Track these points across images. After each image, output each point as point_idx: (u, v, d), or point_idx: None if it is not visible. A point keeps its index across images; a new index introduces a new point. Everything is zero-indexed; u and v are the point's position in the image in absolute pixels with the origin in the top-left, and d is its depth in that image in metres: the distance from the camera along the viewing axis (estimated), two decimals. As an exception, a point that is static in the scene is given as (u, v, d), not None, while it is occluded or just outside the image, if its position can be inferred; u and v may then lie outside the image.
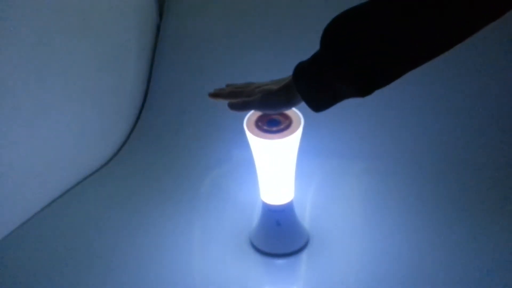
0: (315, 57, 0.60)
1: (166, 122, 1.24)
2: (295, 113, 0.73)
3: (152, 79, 1.33)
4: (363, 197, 0.97)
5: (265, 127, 0.71)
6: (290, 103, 0.66)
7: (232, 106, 0.70)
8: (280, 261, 0.83)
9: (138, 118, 1.28)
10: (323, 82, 0.59)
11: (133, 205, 1.00)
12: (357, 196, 0.98)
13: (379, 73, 0.55)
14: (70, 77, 1.03)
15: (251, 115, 0.74)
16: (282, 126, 0.71)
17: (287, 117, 0.73)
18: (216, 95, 0.74)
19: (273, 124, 0.71)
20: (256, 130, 0.72)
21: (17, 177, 0.93)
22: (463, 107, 1.10)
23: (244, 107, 0.69)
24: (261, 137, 0.70)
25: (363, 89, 0.56)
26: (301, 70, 0.62)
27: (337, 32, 0.56)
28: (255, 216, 0.91)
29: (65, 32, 1.00)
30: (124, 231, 0.92)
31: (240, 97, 0.70)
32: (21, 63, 0.90)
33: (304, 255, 0.83)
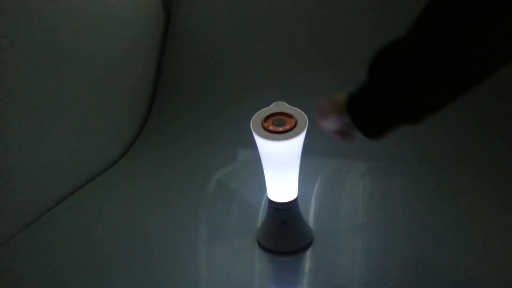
0: (365, 92, 0.61)
1: (175, 122, 1.25)
2: (300, 113, 0.75)
3: (160, 79, 1.33)
4: (367, 196, 0.98)
5: (271, 128, 0.73)
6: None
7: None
8: (285, 259, 0.84)
9: (146, 118, 1.29)
10: (377, 116, 0.60)
11: (141, 204, 1.01)
12: (361, 195, 0.99)
13: (428, 101, 0.56)
14: (79, 77, 1.04)
15: (258, 115, 0.76)
16: (287, 127, 0.72)
17: (292, 117, 0.74)
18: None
19: (279, 125, 0.73)
20: (262, 131, 0.73)
21: (25, 178, 0.94)
22: (465, 107, 1.10)
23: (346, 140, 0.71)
24: (267, 138, 0.72)
25: (415, 118, 0.57)
26: (355, 107, 0.62)
27: (382, 66, 0.57)
28: (261, 215, 0.92)
29: (75, 33, 1.02)
30: (131, 229, 0.93)
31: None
32: (32, 63, 0.91)
33: (309, 253, 0.84)
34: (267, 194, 0.83)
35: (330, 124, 0.69)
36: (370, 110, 0.60)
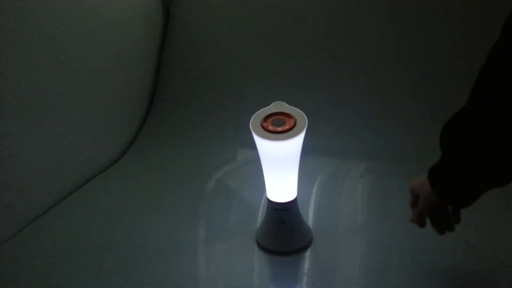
0: (445, 160, 0.61)
1: (173, 122, 1.25)
2: (299, 113, 0.75)
3: (159, 80, 1.34)
4: (366, 196, 0.98)
5: (270, 128, 0.73)
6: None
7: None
8: (284, 259, 0.84)
9: (146, 118, 1.30)
10: (464, 187, 0.60)
11: (140, 203, 1.02)
12: (360, 195, 0.99)
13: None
14: (78, 77, 1.05)
15: (257, 115, 0.76)
16: (287, 127, 0.72)
17: (292, 117, 0.74)
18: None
19: (278, 124, 0.73)
20: (262, 131, 0.73)
21: (25, 177, 0.94)
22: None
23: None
24: (266, 138, 0.72)
25: (502, 181, 0.57)
26: (437, 177, 0.62)
27: (457, 136, 0.58)
28: (261, 215, 0.92)
29: (74, 32, 1.02)
30: (131, 229, 0.93)
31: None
32: (32, 63, 0.91)
33: (307, 253, 0.84)
34: (266, 194, 0.83)
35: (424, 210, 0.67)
36: (460, 185, 0.60)
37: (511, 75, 0.50)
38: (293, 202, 0.82)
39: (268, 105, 0.77)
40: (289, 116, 0.74)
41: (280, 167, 0.77)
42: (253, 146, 0.76)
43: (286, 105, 0.77)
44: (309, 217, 0.93)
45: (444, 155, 0.61)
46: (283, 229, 0.84)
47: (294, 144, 0.73)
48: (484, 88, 0.54)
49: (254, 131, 0.73)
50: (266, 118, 0.75)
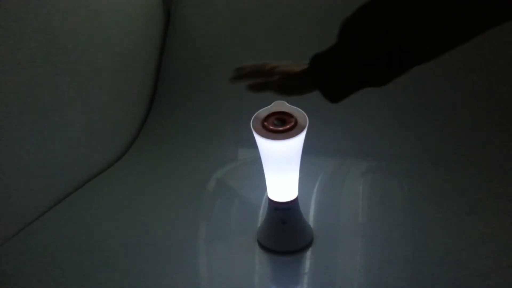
0: (333, 48, 0.60)
1: (174, 122, 1.26)
2: (300, 112, 0.75)
3: (160, 80, 1.34)
4: (367, 195, 0.98)
5: (271, 127, 0.73)
6: (305, 90, 0.65)
7: (251, 88, 0.69)
8: (285, 259, 0.84)
9: (146, 117, 1.30)
10: (341, 72, 0.59)
11: (140, 203, 1.01)
12: (361, 195, 0.99)
13: (397, 61, 0.55)
14: (78, 77, 1.05)
15: (258, 115, 0.76)
16: (288, 126, 0.72)
17: (293, 117, 0.74)
18: (237, 78, 0.72)
19: (279, 124, 0.73)
20: (262, 130, 0.73)
21: (24, 178, 0.94)
22: (465, 107, 1.10)
23: (263, 88, 0.68)
24: (267, 137, 0.72)
25: (381, 78, 0.57)
26: (318, 60, 0.61)
27: (355, 24, 0.57)
28: (262, 215, 0.92)
29: (75, 32, 1.02)
30: (131, 228, 0.93)
31: (259, 78, 0.69)
32: (31, 62, 0.91)
33: (309, 253, 0.84)
34: (267, 193, 0.83)
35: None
36: (338, 69, 0.59)
37: None
38: (294, 201, 0.82)
39: (268, 104, 0.77)
40: (290, 115, 0.74)
41: (281, 167, 0.77)
42: (254, 145, 0.76)
43: (287, 104, 0.77)
44: (310, 216, 0.93)
45: (336, 45, 0.59)
46: (284, 229, 0.84)
47: (295, 144, 0.73)
48: None
49: (255, 130, 0.73)
50: (267, 117, 0.75)
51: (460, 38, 0.52)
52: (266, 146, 0.74)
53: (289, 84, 0.65)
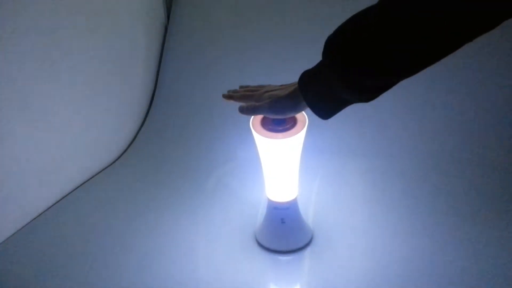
0: (319, 66, 0.62)
1: (173, 122, 1.26)
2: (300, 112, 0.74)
3: (160, 79, 1.34)
4: (366, 195, 0.98)
5: (270, 126, 0.73)
6: (297, 109, 0.67)
7: (242, 111, 0.71)
8: (284, 258, 0.84)
9: (145, 117, 1.30)
10: (328, 91, 0.60)
11: (140, 203, 1.01)
12: (360, 194, 0.98)
13: (381, 79, 0.56)
14: (78, 77, 1.05)
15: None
16: (287, 125, 0.72)
17: (292, 116, 0.74)
18: (229, 97, 0.75)
19: (278, 123, 0.73)
20: (262, 129, 0.73)
21: (24, 176, 0.94)
22: (465, 106, 1.10)
23: (253, 111, 0.71)
24: (266, 136, 0.72)
25: (367, 95, 0.58)
26: (306, 79, 0.63)
27: (338, 42, 0.57)
28: (261, 214, 0.92)
29: (74, 32, 1.02)
30: (130, 229, 0.93)
31: (251, 101, 0.71)
32: (30, 62, 0.91)
33: (308, 252, 0.84)
34: (266, 193, 0.83)
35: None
36: (325, 88, 0.60)
37: None
38: (293, 201, 0.82)
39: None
40: (289, 115, 0.74)
41: (281, 166, 0.77)
42: (253, 145, 0.76)
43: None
44: (310, 216, 0.93)
45: (320, 64, 0.60)
46: (283, 228, 0.84)
47: (295, 143, 0.73)
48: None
49: (254, 130, 0.73)
50: (266, 116, 0.75)
51: (443, 53, 0.53)
52: (265, 146, 0.74)
53: (277, 108, 0.67)
